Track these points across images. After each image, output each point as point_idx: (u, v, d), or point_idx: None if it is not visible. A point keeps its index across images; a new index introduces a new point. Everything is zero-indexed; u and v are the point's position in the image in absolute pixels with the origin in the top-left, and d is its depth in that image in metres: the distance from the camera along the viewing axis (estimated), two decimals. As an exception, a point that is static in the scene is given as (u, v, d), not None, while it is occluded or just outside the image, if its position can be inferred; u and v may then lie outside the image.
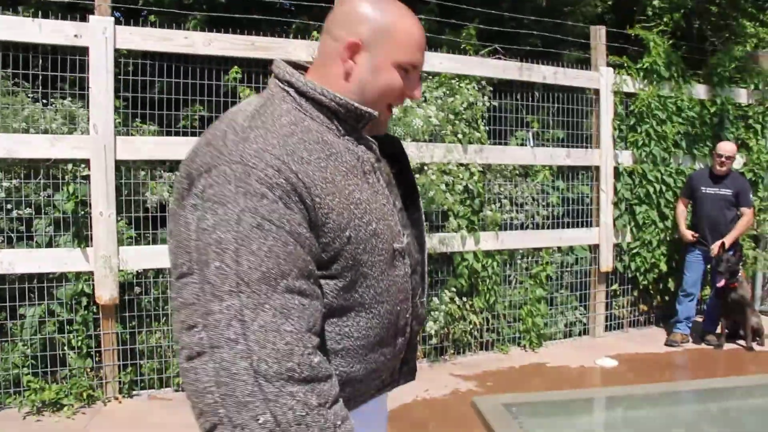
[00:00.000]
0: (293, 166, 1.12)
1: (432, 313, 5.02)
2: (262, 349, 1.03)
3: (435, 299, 5.03)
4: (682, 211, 5.82)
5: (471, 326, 5.29)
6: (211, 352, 1.03)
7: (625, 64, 5.97)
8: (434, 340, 5.15)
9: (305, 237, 1.11)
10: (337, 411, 1.11)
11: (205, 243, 1.07)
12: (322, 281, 1.18)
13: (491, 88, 5.33)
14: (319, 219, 1.14)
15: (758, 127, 6.71)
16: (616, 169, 5.89)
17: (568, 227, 5.77)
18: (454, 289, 5.10)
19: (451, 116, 5.04)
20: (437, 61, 5.02)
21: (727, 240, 5.46)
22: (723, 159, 5.55)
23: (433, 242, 4.97)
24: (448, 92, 5.06)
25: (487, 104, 5.23)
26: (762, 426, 3.98)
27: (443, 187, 4.80)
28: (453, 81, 5.11)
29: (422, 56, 1.31)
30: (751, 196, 5.73)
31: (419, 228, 1.49)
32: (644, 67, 6.01)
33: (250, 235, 1.06)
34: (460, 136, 5.05)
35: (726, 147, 5.62)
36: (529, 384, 4.74)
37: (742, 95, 6.65)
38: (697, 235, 5.66)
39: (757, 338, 5.54)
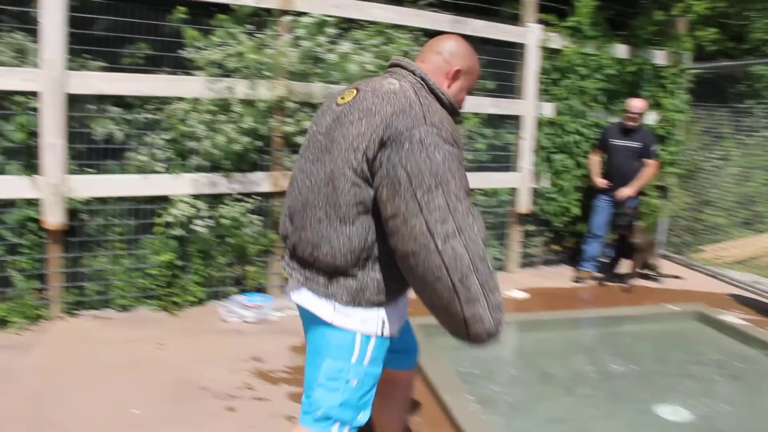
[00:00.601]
0: (453, 132, 1.94)
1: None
2: (482, 228, 1.89)
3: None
4: (596, 161, 6.40)
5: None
6: (461, 233, 1.83)
7: (553, 22, 6.41)
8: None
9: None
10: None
11: (443, 169, 1.83)
12: None
13: (426, 39, 5.69)
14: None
15: (672, 87, 7.32)
16: (538, 119, 6.39)
17: (488, 170, 6.28)
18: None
19: (385, 63, 5.39)
20: (375, 11, 5.37)
21: (632, 188, 6.08)
22: (632, 114, 6.14)
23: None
24: (384, 41, 5.41)
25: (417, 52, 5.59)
26: (649, 347, 4.70)
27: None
28: (389, 31, 5.46)
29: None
30: (654, 149, 6.32)
31: None
32: (570, 25, 6.47)
33: (459, 166, 1.89)
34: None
35: (635, 104, 6.19)
36: None
37: (660, 57, 7.22)
38: (608, 183, 6.22)
39: (654, 271, 6.29)
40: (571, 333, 5.10)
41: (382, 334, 2.10)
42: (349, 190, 1.93)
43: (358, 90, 2.07)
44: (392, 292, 2.07)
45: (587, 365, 4.32)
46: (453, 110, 2.14)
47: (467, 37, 5.75)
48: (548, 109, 6.49)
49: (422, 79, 2.08)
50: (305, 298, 2.10)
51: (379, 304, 2.05)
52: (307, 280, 2.08)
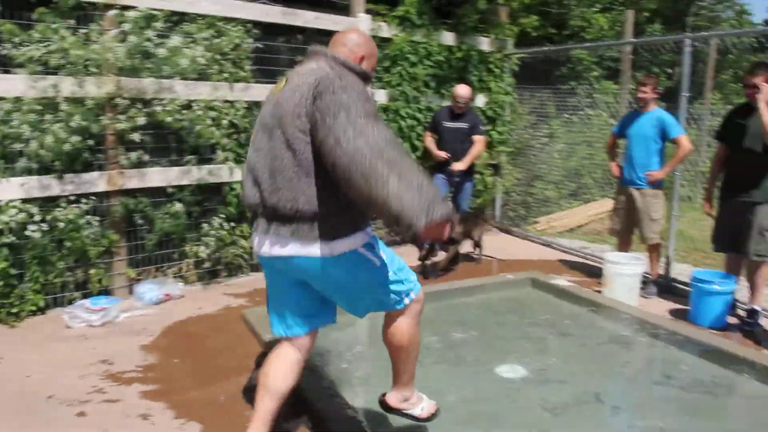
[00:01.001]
0: (362, 89, 2.51)
1: (203, 238, 5.58)
2: (388, 132, 2.40)
3: (205, 225, 5.59)
4: (431, 140, 6.82)
5: (241, 250, 5.93)
6: (362, 135, 2.32)
7: (382, 12, 6.75)
8: (207, 264, 5.75)
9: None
10: None
11: (347, 102, 2.38)
12: None
13: (258, 31, 5.83)
14: None
15: (497, 71, 7.92)
16: (372, 106, 6.71)
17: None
18: (222, 216, 5.66)
19: (218, 56, 5.50)
20: (204, 5, 5.46)
21: (464, 162, 6.56)
22: (459, 104, 6.60)
23: (203, 173, 5.50)
24: (215, 34, 5.50)
25: (252, 46, 5.73)
26: (488, 314, 5.12)
27: (209, 122, 5.31)
28: (220, 23, 5.55)
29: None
30: (481, 127, 6.87)
31: None
32: (399, 15, 6.85)
33: (365, 102, 2.43)
34: (226, 75, 5.54)
35: (461, 92, 6.62)
36: None
37: (485, 43, 7.78)
38: (447, 155, 6.63)
39: (478, 248, 6.80)
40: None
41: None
42: (305, 148, 2.46)
43: (286, 78, 2.65)
44: (364, 219, 2.66)
45: (432, 336, 4.66)
46: (364, 75, 2.74)
47: (298, 29, 6.09)
48: (381, 96, 6.84)
49: (334, 57, 2.68)
50: (295, 249, 2.56)
51: (357, 230, 2.60)
52: (293, 233, 2.54)
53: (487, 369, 4.10)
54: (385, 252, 2.77)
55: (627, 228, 5.88)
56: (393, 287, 2.74)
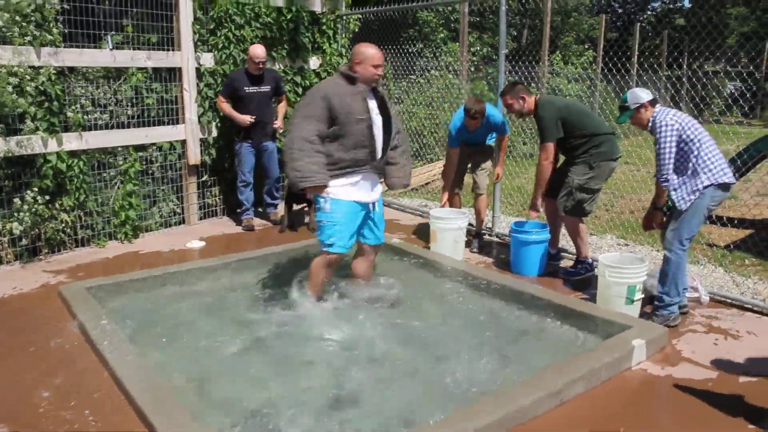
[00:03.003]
0: (325, 92, 4.13)
1: (16, 214, 5.39)
2: (308, 129, 4.10)
3: (17, 201, 5.39)
4: (228, 106, 6.62)
5: (63, 225, 5.79)
6: (290, 130, 4.15)
7: (204, -29, 6.69)
8: (24, 241, 5.56)
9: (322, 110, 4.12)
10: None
11: (299, 105, 4.23)
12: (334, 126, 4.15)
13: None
14: (334, 108, 4.10)
15: (330, 32, 8.07)
16: (198, 70, 6.68)
17: (159, 125, 6.45)
18: (36, 190, 5.49)
19: (18, 18, 5.26)
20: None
21: (280, 120, 6.85)
22: (258, 64, 6.52)
23: (10, 145, 5.29)
24: None
25: (58, 6, 5.53)
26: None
27: (10, 89, 5.10)
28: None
29: (382, 63, 4.27)
30: (283, 85, 7.04)
31: (386, 115, 4.35)
32: (219, -26, 6.80)
33: (309, 105, 4.14)
34: (30, 38, 5.32)
35: (258, 52, 6.46)
36: (121, 270, 5.42)
37: (317, 4, 7.92)
38: (253, 118, 6.58)
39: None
40: (236, 275, 5.45)
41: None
42: None
43: None
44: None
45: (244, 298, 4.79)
46: (348, 77, 4.20)
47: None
48: (207, 59, 6.81)
49: (339, 71, 4.30)
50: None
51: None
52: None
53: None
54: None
55: (457, 182, 6.23)
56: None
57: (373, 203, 4.47)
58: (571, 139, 5.12)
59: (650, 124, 4.28)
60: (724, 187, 4.19)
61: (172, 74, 6.58)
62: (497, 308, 4.66)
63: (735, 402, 3.37)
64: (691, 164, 4.17)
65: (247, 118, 6.55)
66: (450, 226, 5.77)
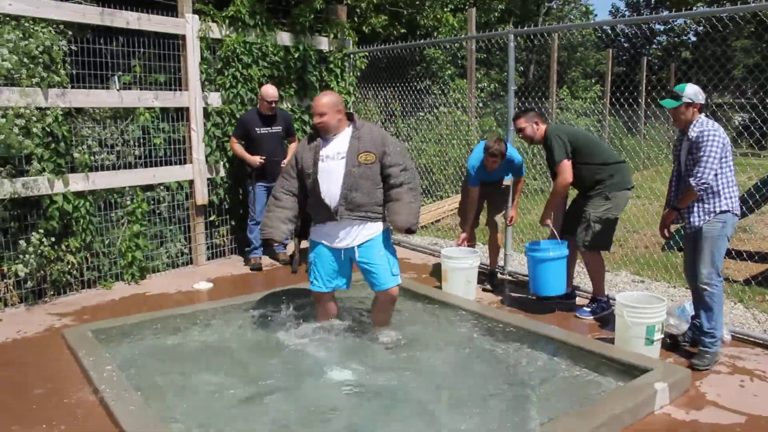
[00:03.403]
0: (297, 150, 4.50)
1: (21, 256, 5.33)
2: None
3: (23, 242, 5.34)
4: (240, 147, 6.63)
5: (69, 266, 5.72)
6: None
7: (211, 12, 6.71)
8: (30, 283, 5.49)
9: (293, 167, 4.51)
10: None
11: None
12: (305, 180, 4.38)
13: (71, 32, 5.65)
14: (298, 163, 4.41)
15: (338, 71, 8.08)
16: (205, 109, 6.67)
17: (167, 165, 6.42)
18: (42, 231, 5.43)
19: (26, 60, 5.27)
20: (6, 3, 5.20)
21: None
22: (271, 103, 6.49)
23: (16, 186, 5.25)
24: (21, 35, 5.26)
25: (66, 48, 5.54)
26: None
27: (16, 130, 5.08)
28: (27, 24, 5.33)
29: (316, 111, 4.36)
30: (293, 126, 7.00)
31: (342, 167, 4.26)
32: (229, 15, 6.84)
33: (300, 151, 4.49)
34: (37, 80, 5.32)
35: (270, 92, 6.47)
36: (127, 312, 5.34)
37: (324, 43, 7.92)
38: (263, 158, 6.53)
39: None
40: (244, 314, 5.37)
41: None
42: None
43: None
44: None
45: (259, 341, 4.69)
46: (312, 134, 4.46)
47: (120, 30, 5.95)
48: (215, 99, 6.80)
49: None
50: None
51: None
52: None
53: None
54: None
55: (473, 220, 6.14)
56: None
57: (346, 249, 4.40)
58: (582, 167, 5.04)
59: (693, 127, 4.14)
60: (738, 217, 4.17)
61: (180, 114, 6.57)
62: (512, 350, 4.51)
63: (765, 448, 3.22)
64: (715, 184, 4.09)
65: (257, 159, 6.51)
66: (462, 266, 5.67)
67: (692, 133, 4.13)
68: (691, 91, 4.15)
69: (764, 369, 4.15)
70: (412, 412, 3.55)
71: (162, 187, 6.49)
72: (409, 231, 4.25)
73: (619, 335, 4.39)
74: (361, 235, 4.35)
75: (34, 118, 5.29)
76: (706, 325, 4.18)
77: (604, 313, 5.12)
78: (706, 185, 4.04)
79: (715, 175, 4.05)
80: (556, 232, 5.24)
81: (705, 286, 4.14)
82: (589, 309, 5.20)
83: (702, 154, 4.04)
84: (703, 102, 4.18)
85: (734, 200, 4.10)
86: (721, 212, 4.08)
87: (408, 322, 4.98)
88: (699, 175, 4.04)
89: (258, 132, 6.56)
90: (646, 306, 4.29)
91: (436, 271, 6.45)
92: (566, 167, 5.02)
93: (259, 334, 4.90)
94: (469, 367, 4.27)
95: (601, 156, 5.07)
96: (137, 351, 4.57)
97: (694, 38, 24.33)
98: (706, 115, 4.19)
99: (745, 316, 5.23)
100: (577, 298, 5.61)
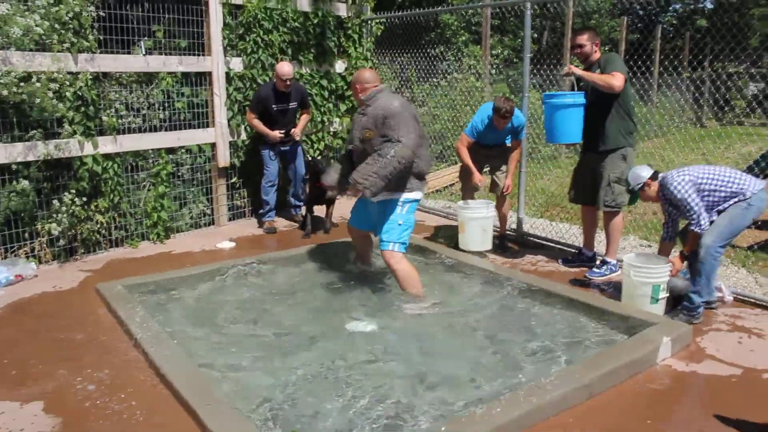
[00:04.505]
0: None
1: (54, 215, 5.58)
2: None
3: (56, 202, 5.59)
4: (259, 123, 6.78)
5: (98, 226, 5.98)
6: None
7: (233, -23, 6.87)
8: (62, 242, 5.76)
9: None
10: None
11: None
12: None
13: (100, -3, 5.83)
14: None
15: (356, 36, 8.23)
16: (227, 74, 6.85)
17: (190, 128, 6.64)
18: (74, 192, 5.68)
19: (57, 26, 5.46)
20: (36, -30, 5.36)
21: (300, 128, 6.95)
22: (286, 82, 6.63)
23: (50, 148, 5.49)
24: (52, 1, 5.45)
25: (94, 14, 5.72)
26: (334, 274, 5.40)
27: (50, 94, 5.29)
28: (59, -11, 5.51)
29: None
30: (308, 98, 7.17)
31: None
32: (250, -20, 6.97)
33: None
34: (68, 45, 5.52)
35: (286, 70, 6.53)
36: (155, 269, 5.58)
37: (342, 9, 8.07)
38: (283, 133, 6.78)
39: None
40: (264, 274, 5.62)
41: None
42: None
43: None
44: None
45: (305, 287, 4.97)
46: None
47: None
48: (237, 64, 6.98)
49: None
50: None
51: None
52: None
53: (339, 324, 4.44)
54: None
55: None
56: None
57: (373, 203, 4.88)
58: (615, 111, 5.16)
59: (662, 194, 4.52)
60: (764, 192, 4.37)
61: (201, 78, 6.76)
62: (525, 307, 4.76)
63: (759, 398, 3.46)
64: (722, 194, 4.36)
65: (277, 134, 6.74)
66: (478, 215, 5.88)
67: (665, 196, 4.51)
68: (633, 178, 4.64)
69: (762, 327, 4.38)
70: (451, 357, 3.84)
71: (183, 150, 6.70)
72: (359, 185, 4.50)
73: (626, 294, 4.62)
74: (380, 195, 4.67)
75: (67, 83, 5.51)
76: (690, 287, 4.44)
77: (613, 275, 5.34)
78: (705, 223, 4.32)
79: (711, 203, 4.37)
80: (575, 84, 5.19)
81: (705, 253, 4.35)
82: (599, 271, 5.41)
83: (682, 205, 4.36)
84: (649, 174, 4.56)
85: (749, 186, 4.33)
86: (743, 200, 4.33)
87: (425, 283, 5.22)
88: (696, 220, 4.33)
89: (274, 108, 6.73)
90: (652, 266, 4.50)
91: (449, 232, 6.69)
92: (621, 79, 4.98)
93: (287, 289, 5.18)
94: (487, 323, 4.52)
95: (630, 106, 5.22)
96: (169, 304, 4.84)
97: (711, 5, 24.14)
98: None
99: (747, 280, 5.44)
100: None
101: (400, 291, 4.83)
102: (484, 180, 6.15)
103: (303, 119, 7.07)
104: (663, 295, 4.49)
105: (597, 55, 5.24)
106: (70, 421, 3.25)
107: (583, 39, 5.23)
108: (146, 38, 6.33)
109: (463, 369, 3.74)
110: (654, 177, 4.55)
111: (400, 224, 4.72)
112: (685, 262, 4.62)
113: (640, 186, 4.59)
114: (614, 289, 5.05)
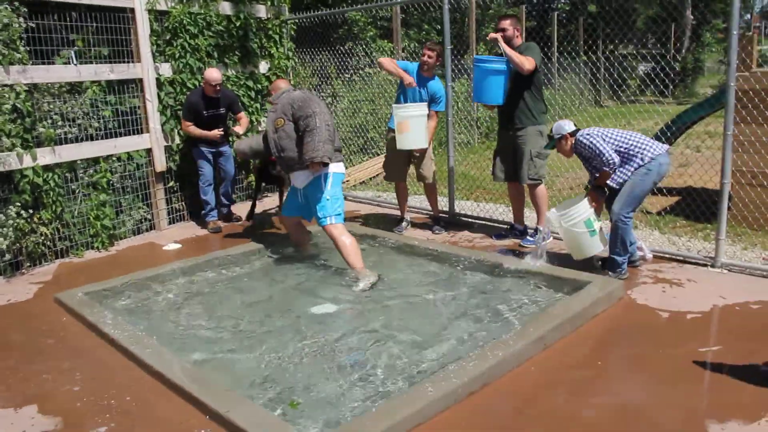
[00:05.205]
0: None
1: (0, 230, 5.60)
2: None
3: (1, 216, 5.60)
4: (195, 128, 6.94)
5: (42, 238, 6.02)
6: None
7: (155, -15, 6.99)
8: (8, 256, 5.78)
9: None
10: None
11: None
12: None
13: (26, 9, 5.85)
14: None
15: (276, 37, 8.48)
16: (158, 79, 6.98)
17: (124, 135, 6.73)
18: (18, 205, 5.71)
19: (-12, 39, 5.48)
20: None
21: (242, 128, 7.18)
22: (215, 86, 6.83)
23: (-10, 163, 5.50)
24: (-21, 15, 5.47)
25: (24, 25, 5.75)
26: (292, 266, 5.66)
27: (-9, 108, 5.34)
28: (-16, 4, 5.52)
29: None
30: (238, 102, 7.44)
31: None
32: (173, -13, 7.11)
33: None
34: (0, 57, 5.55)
35: (215, 75, 6.80)
36: (106, 276, 5.59)
37: (262, 11, 8.29)
38: (221, 131, 7.05)
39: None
40: (217, 270, 5.85)
41: None
42: None
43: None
44: None
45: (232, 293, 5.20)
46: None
47: (65, 5, 6.15)
48: (166, 69, 7.13)
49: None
50: None
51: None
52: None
53: (303, 310, 4.74)
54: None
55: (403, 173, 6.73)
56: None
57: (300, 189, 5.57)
58: (529, 92, 5.75)
59: (575, 150, 5.04)
60: (663, 156, 4.88)
61: (126, 86, 6.84)
62: (473, 278, 5.23)
63: (684, 332, 4.04)
64: (624, 151, 4.89)
65: (216, 133, 6.97)
66: (417, 113, 6.18)
67: (579, 151, 5.03)
68: (556, 128, 5.13)
69: (679, 278, 4.99)
70: (412, 331, 4.20)
71: (114, 158, 6.75)
72: (317, 159, 5.07)
73: (568, 242, 5.16)
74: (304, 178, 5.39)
75: (6, 95, 5.54)
76: (609, 251, 5.01)
77: (545, 242, 5.86)
78: (613, 163, 4.83)
79: (616, 151, 4.86)
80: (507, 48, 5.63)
81: (616, 220, 4.92)
82: (532, 238, 5.94)
83: (595, 152, 4.87)
84: (571, 129, 5.07)
85: (648, 151, 4.85)
86: (641, 166, 4.85)
87: (373, 264, 5.58)
88: (605, 162, 4.84)
89: (205, 114, 6.93)
90: (574, 207, 5.04)
91: (383, 219, 7.10)
92: (532, 63, 5.58)
93: (242, 281, 5.43)
94: (439, 294, 4.93)
95: (541, 91, 5.85)
96: (132, 307, 5.01)
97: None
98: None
99: (662, 240, 6.10)
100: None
101: (346, 272, 5.19)
102: (414, 83, 6.41)
103: (243, 120, 7.31)
104: (597, 225, 5.00)
105: (518, 41, 5.79)
106: (71, 419, 3.40)
107: (506, 24, 5.79)
108: (75, 48, 6.38)
109: (425, 335, 4.13)
110: (573, 134, 5.06)
111: (328, 199, 5.32)
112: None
113: (559, 137, 5.09)
114: (545, 258, 5.57)
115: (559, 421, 3.17)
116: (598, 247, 5.02)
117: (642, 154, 4.83)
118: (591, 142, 4.87)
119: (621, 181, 4.87)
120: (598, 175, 4.97)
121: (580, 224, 4.97)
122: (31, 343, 4.41)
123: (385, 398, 3.34)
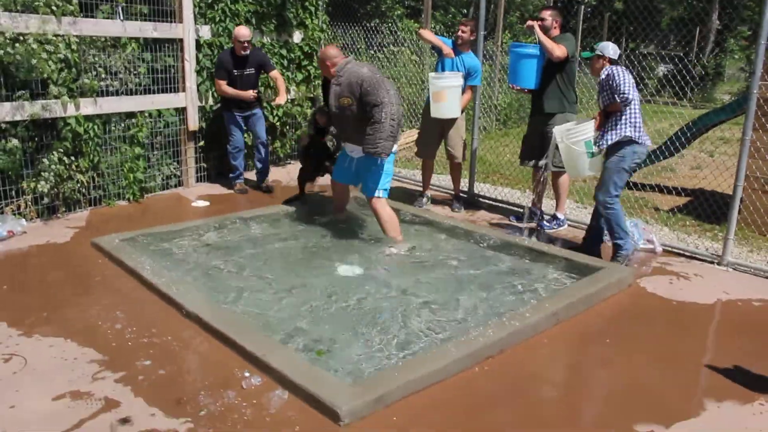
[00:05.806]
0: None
1: (42, 173, 5.88)
2: None
3: (45, 161, 5.89)
4: (229, 87, 7.08)
5: (78, 185, 6.29)
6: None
7: (201, -53, 7.21)
8: (46, 200, 6.06)
9: None
10: None
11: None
12: None
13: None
14: None
15: (312, 8, 8.68)
16: (197, 41, 7.22)
17: (163, 93, 6.99)
18: (60, 151, 5.98)
19: (42, -12, 5.72)
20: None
21: (282, 97, 7.33)
22: (244, 45, 6.99)
23: (35, 108, 5.77)
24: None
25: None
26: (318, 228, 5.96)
27: (44, 56, 5.59)
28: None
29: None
30: (270, 61, 7.58)
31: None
32: (218, -49, 7.34)
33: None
34: (53, 7, 5.79)
35: (244, 32, 6.89)
36: (138, 226, 5.89)
37: (301, -19, 8.49)
38: (256, 92, 7.22)
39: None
40: (241, 228, 6.12)
41: None
42: None
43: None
44: None
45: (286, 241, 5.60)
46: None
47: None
48: (205, 32, 7.37)
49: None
50: None
51: None
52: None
53: (329, 270, 5.03)
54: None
55: (434, 151, 7.02)
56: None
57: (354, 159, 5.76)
58: (562, 78, 6.00)
59: (604, 76, 5.13)
60: (643, 146, 5.12)
61: (162, 45, 7.05)
62: (494, 253, 5.54)
63: (688, 320, 4.35)
64: (621, 115, 5.08)
65: (250, 93, 7.12)
66: (454, 83, 6.52)
67: (602, 76, 5.16)
68: (601, 46, 5.28)
69: (687, 272, 5.28)
70: (433, 301, 4.49)
71: (146, 114, 6.96)
72: (375, 154, 5.19)
73: (567, 159, 5.48)
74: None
75: (61, 45, 5.80)
76: (612, 239, 5.28)
77: (561, 229, 6.14)
78: (626, 96, 4.99)
79: (625, 105, 5.04)
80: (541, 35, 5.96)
81: (602, 210, 5.21)
82: (549, 224, 6.21)
83: (616, 83, 5.01)
84: (613, 57, 5.22)
85: (638, 131, 5.06)
86: (624, 141, 5.06)
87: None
88: (621, 94, 4.99)
89: (235, 73, 7.09)
90: (580, 125, 5.35)
91: (403, 193, 7.38)
92: (563, 51, 5.85)
93: (272, 240, 5.73)
94: (463, 265, 5.22)
95: (574, 82, 6.09)
96: (167, 255, 5.30)
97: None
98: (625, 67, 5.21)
99: (671, 236, 6.37)
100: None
101: (379, 238, 5.50)
102: (452, 54, 6.70)
103: (279, 82, 7.38)
104: (595, 149, 5.27)
105: (556, 32, 6.03)
106: (117, 351, 3.69)
107: (546, 14, 6.09)
108: (123, 3, 6.60)
109: (449, 302, 4.43)
110: (612, 62, 5.22)
111: (381, 173, 5.46)
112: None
113: (599, 54, 5.26)
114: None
115: (569, 386, 3.49)
116: (591, 170, 5.37)
117: (639, 133, 5.05)
118: (619, 75, 5.01)
119: (610, 139, 5.10)
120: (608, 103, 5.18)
121: (581, 143, 5.28)
122: (72, 280, 4.72)
123: (409, 356, 3.63)
